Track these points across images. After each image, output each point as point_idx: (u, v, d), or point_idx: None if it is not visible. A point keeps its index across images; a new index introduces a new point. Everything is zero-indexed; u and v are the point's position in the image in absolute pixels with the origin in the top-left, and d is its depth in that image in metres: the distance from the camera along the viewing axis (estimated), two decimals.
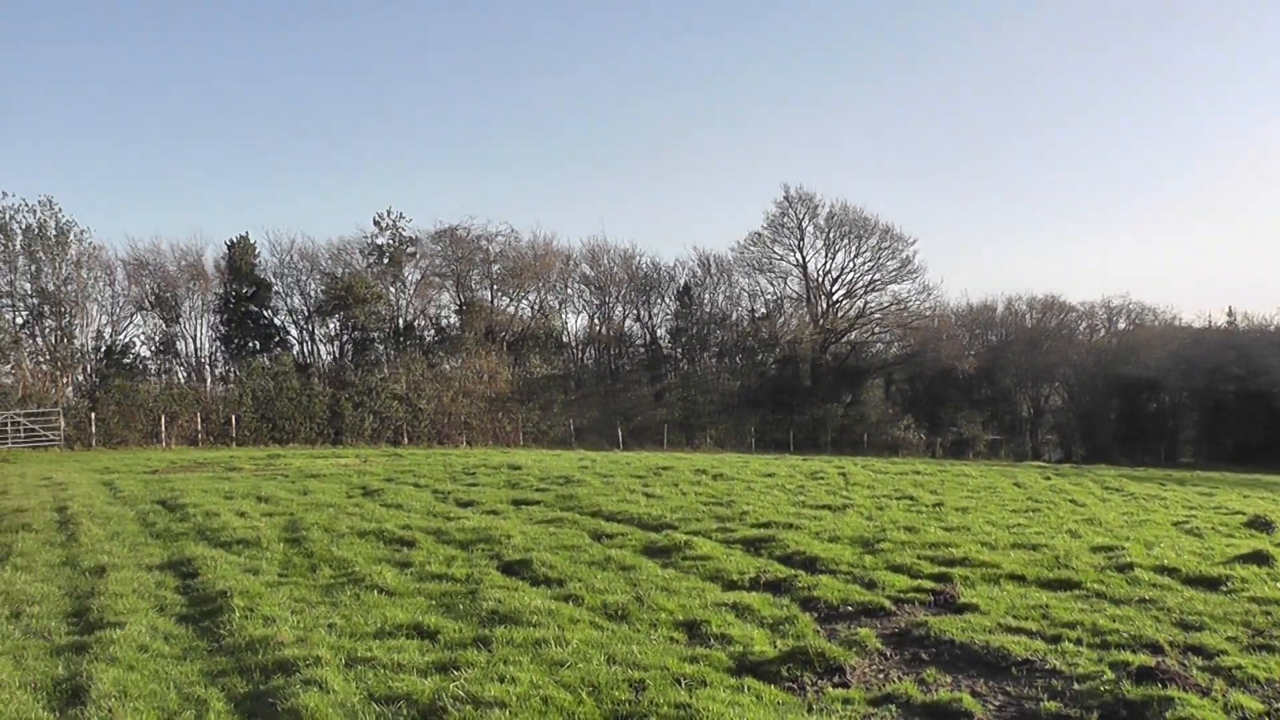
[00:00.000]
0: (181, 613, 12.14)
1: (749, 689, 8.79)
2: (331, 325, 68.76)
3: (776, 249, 79.63)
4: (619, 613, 11.39)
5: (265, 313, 67.32)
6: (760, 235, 79.58)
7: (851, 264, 79.44)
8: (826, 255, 79.48)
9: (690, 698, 8.33)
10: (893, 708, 8.54)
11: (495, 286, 72.68)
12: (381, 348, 68.25)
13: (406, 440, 59.46)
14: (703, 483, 26.50)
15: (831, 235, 78.88)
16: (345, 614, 11.50)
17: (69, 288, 59.86)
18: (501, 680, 8.70)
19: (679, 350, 78.94)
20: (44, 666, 9.92)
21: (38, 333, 59.67)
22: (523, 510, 20.61)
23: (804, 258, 79.60)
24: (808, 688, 9.03)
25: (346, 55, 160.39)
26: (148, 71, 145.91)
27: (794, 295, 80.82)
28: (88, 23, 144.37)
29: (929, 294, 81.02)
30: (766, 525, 17.84)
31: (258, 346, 65.70)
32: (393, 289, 69.03)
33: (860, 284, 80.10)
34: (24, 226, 58.70)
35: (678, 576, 13.54)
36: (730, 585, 13.11)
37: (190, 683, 9.21)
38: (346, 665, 9.40)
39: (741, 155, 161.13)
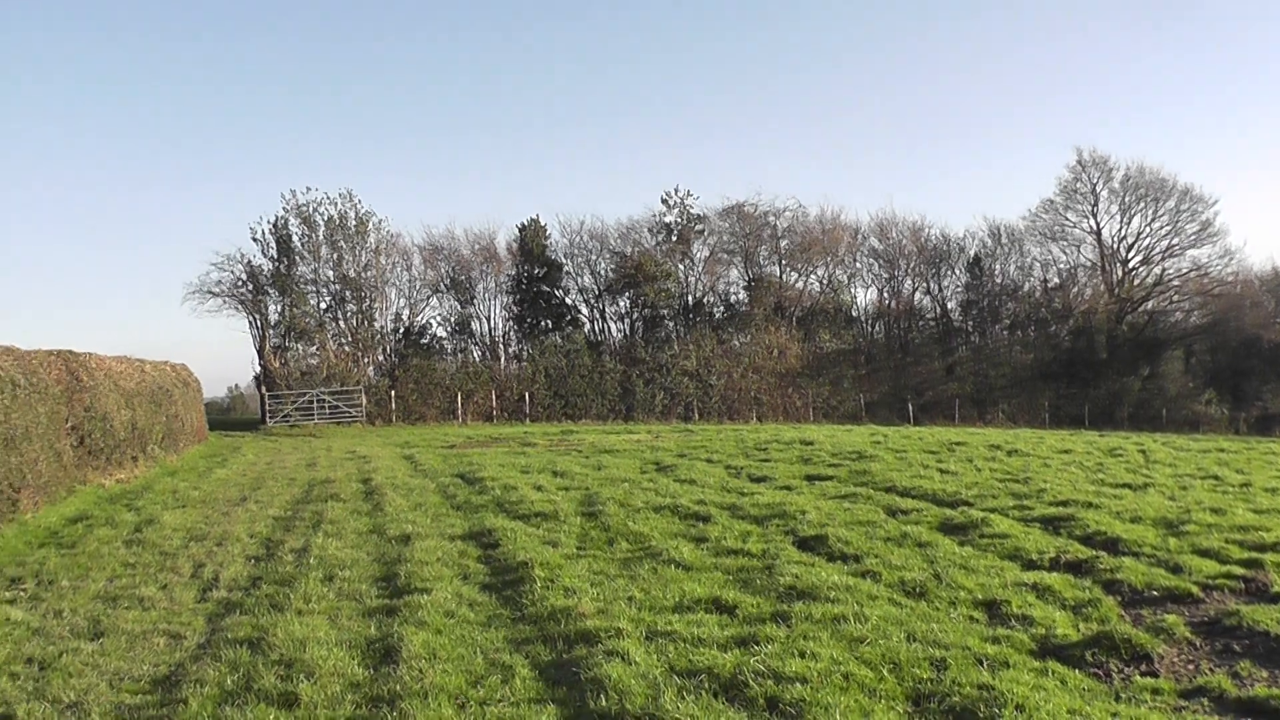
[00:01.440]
0: (484, 581, 12.53)
1: (1053, 673, 8.55)
2: (622, 303, 69.46)
3: (1069, 216, 76.83)
4: (917, 590, 11.26)
5: (556, 292, 68.33)
6: (1052, 202, 76.97)
7: (1148, 228, 75.82)
8: (1122, 220, 76.16)
9: (993, 679, 8.15)
10: (1205, 701, 8.17)
11: (784, 262, 72.32)
12: (671, 324, 68.66)
13: (697, 416, 59.93)
14: (997, 458, 26.02)
15: (1127, 199, 75.58)
16: (644, 587, 11.65)
17: (369, 273, 62.17)
18: (801, 655, 8.68)
19: (969, 323, 77.26)
20: (357, 627, 10.39)
21: (340, 316, 62.15)
22: (816, 485, 20.57)
23: (1098, 224, 76.49)
24: (1114, 675, 8.74)
25: (630, 40, 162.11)
26: (438, 67, 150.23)
27: (1088, 264, 77.96)
28: (385, 23, 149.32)
29: (1231, 258, 76.62)
30: (1065, 503, 17.32)
31: (550, 325, 66.78)
32: (681, 266, 69.33)
33: (1157, 249, 76.49)
34: (326, 218, 61.56)
35: (975, 554, 13.31)
36: (1029, 565, 12.81)
37: (496, 649, 9.49)
38: (647, 638, 9.51)
39: (1034, 118, 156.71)
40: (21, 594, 12.87)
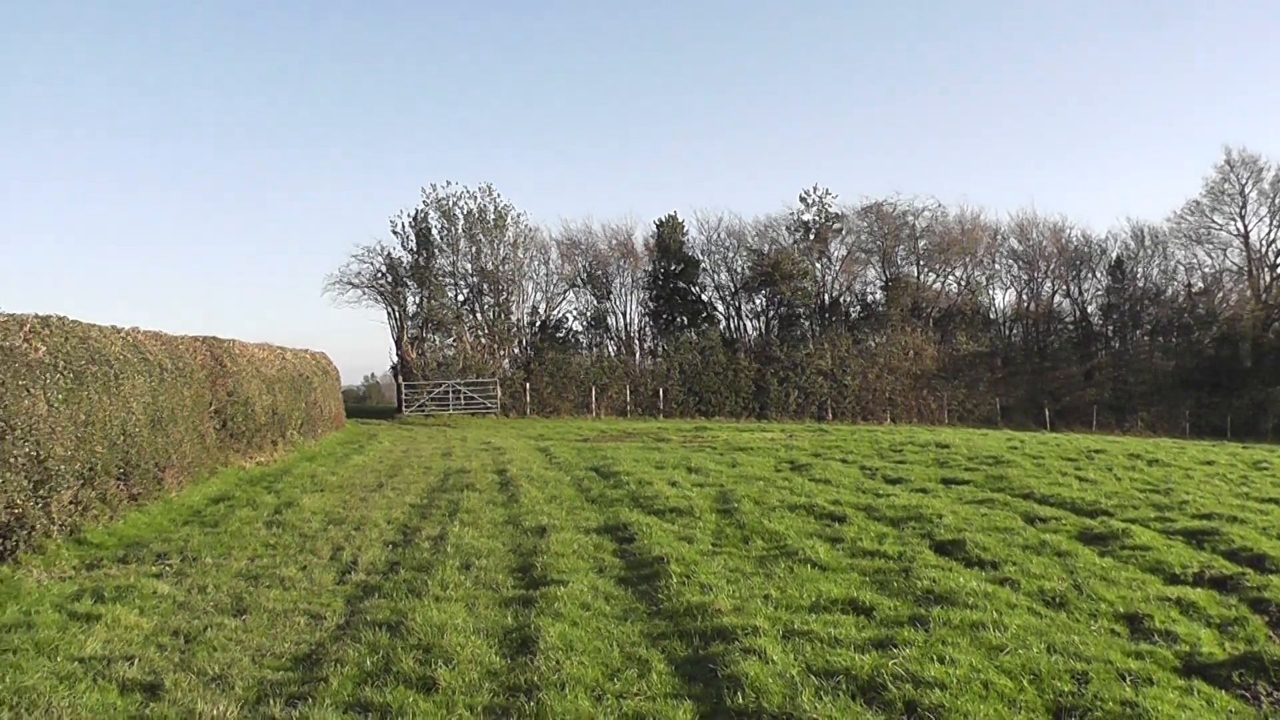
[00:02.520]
0: (619, 575, 12.57)
1: (1198, 692, 8.33)
2: (758, 301, 69.20)
3: (1216, 218, 74.42)
4: (1056, 600, 11.06)
5: (693, 289, 68.26)
6: (1198, 203, 74.65)
7: None
8: (1271, 223, 73.35)
9: (1136, 695, 7.99)
10: None
11: (921, 262, 71.65)
12: (807, 324, 68.28)
13: (830, 416, 59.68)
14: (1137, 468, 25.44)
15: (1278, 200, 73.49)
16: (779, 586, 11.62)
17: (506, 267, 63.08)
18: (940, 661, 8.60)
19: (1109, 328, 75.67)
20: (494, 616, 10.53)
21: (478, 309, 63.23)
22: (952, 490, 20.32)
23: (1246, 226, 73.92)
24: (1262, 698, 8.46)
25: (767, 37, 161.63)
26: (577, 63, 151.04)
27: (1234, 268, 75.58)
28: (522, 19, 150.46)
29: None
30: (1208, 517, 16.84)
31: (685, 322, 66.81)
32: (818, 265, 68.96)
33: None
34: (465, 211, 62.90)
35: (1116, 566, 13.02)
36: (1172, 579, 12.48)
37: (631, 643, 9.53)
38: (784, 637, 9.50)
39: (1182, 116, 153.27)
40: (168, 569, 13.26)
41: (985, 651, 8.98)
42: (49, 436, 14.41)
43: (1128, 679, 8.41)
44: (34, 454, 13.97)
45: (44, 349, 14.96)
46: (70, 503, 15.09)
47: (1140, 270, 74.52)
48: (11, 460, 13.39)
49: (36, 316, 15.59)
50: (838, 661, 8.65)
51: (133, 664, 9.01)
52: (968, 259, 72.00)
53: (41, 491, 14.15)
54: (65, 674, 8.73)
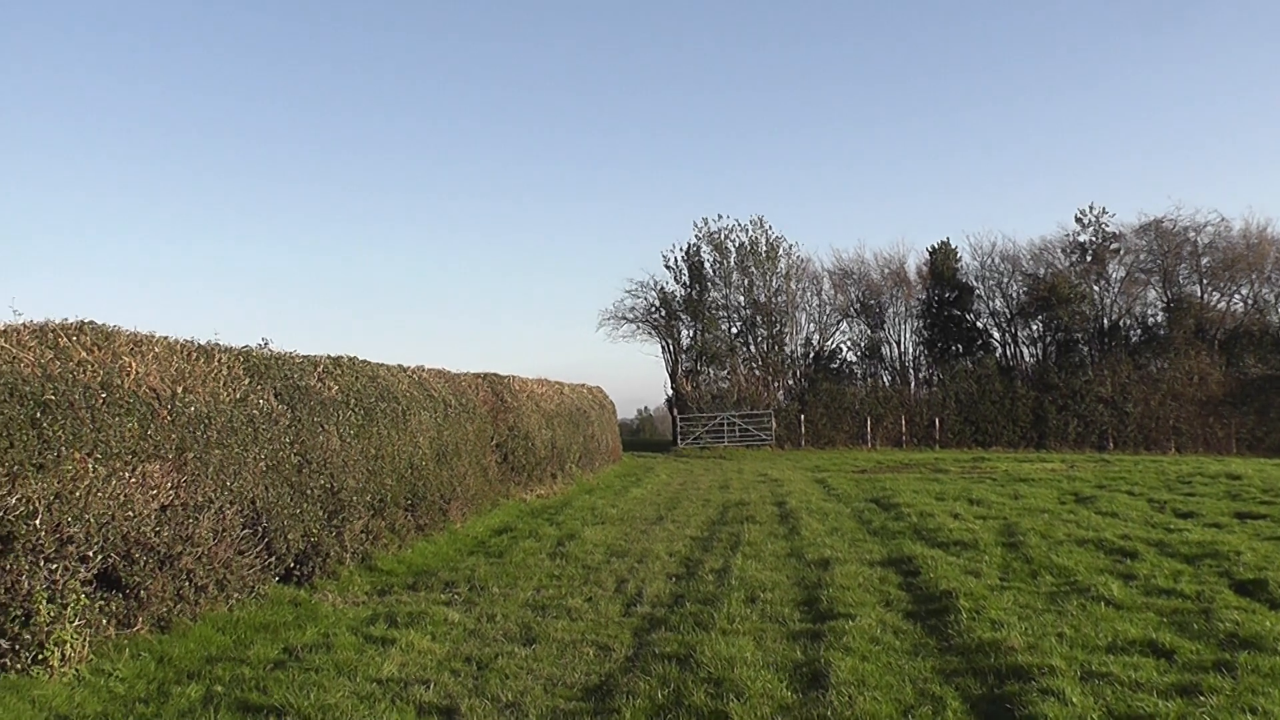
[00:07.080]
0: (907, 609, 12.41)
1: None
2: (1034, 327, 67.61)
3: None
4: None
5: (967, 316, 67.12)
6: None
7: None
8: None
9: None
10: None
11: (1205, 281, 68.92)
12: (1085, 349, 66.33)
13: (1111, 445, 57.95)
14: None
15: None
16: (1073, 624, 11.25)
17: (779, 299, 63.39)
18: (1252, 712, 8.14)
19: None
20: (782, 649, 10.49)
21: (750, 341, 63.67)
22: (1248, 524, 19.33)
23: None
24: None
25: (1035, 56, 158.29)
26: (844, 94, 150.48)
27: None
28: (789, 56, 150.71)
29: None
30: None
31: (960, 350, 65.78)
32: (1096, 287, 67.07)
33: None
34: (737, 244, 63.75)
35: None
36: None
37: (924, 678, 9.37)
38: (1081, 678, 9.17)
39: None
40: (456, 597, 13.66)
41: None
42: (342, 469, 15.06)
43: None
44: (328, 485, 14.64)
45: (336, 387, 15.67)
46: (361, 531, 15.74)
47: None
48: (308, 491, 14.03)
49: (329, 357, 16.42)
50: (1140, 707, 8.31)
51: (428, 688, 9.30)
52: (1254, 275, 68.85)
53: (335, 521, 14.82)
54: (365, 694, 9.09)
